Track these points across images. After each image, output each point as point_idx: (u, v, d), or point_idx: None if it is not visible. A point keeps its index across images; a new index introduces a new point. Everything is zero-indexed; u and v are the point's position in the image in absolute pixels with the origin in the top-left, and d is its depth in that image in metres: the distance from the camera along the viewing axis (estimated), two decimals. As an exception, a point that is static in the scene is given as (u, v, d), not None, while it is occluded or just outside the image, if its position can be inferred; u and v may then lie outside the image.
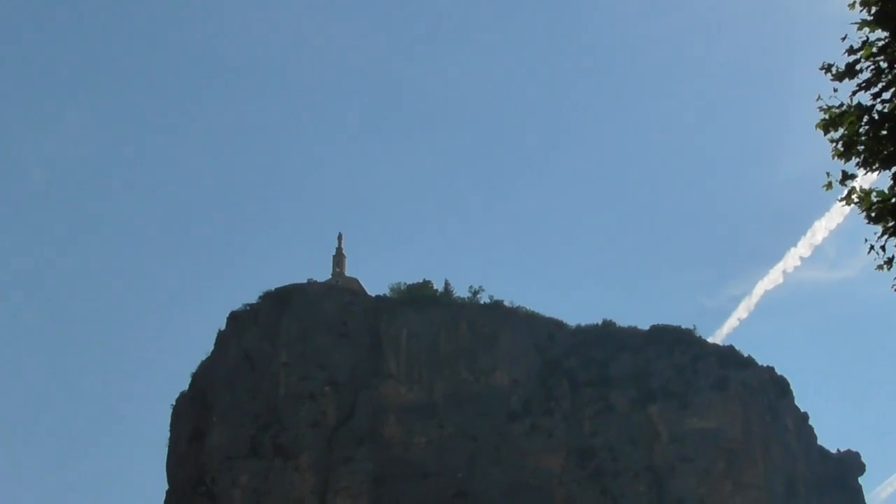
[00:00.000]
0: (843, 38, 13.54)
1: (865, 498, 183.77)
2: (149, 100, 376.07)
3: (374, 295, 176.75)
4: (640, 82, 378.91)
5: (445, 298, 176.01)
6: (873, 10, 13.26)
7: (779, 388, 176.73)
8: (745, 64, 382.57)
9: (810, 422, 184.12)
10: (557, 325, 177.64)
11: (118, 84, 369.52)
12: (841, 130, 13.70)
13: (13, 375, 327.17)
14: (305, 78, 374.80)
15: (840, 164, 13.83)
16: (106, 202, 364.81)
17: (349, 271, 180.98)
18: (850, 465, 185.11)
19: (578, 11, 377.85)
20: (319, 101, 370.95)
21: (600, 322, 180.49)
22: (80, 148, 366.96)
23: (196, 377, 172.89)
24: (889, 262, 13.64)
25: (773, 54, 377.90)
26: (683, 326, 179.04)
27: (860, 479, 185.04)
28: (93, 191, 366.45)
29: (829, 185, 13.83)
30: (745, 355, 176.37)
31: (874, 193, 13.65)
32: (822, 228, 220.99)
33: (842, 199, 13.80)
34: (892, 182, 13.59)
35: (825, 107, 13.70)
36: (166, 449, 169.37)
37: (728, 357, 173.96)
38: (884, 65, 13.40)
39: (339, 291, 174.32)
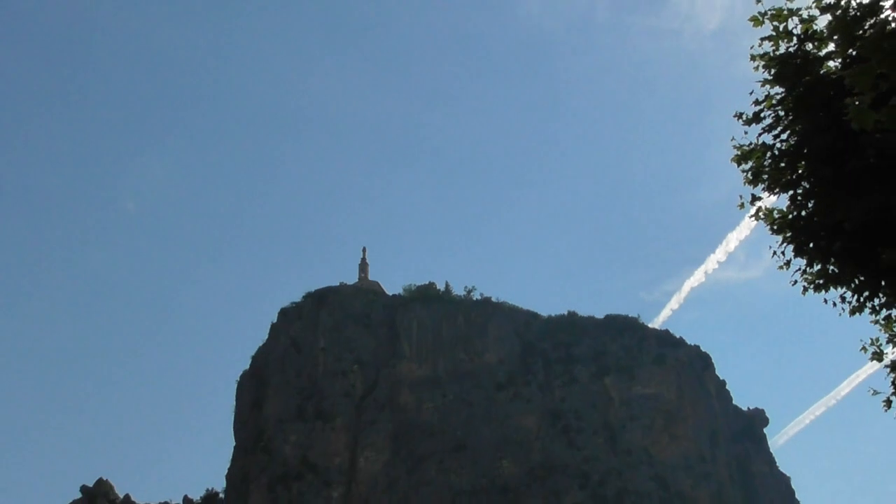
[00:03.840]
0: (751, 93, 13.68)
1: (769, 444, 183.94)
2: (215, 142, 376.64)
3: (391, 294, 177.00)
4: (594, 129, 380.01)
5: (446, 296, 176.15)
6: (773, 71, 13.40)
7: (703, 362, 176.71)
8: (675, 114, 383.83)
9: (727, 387, 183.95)
10: (533, 316, 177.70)
11: (191, 129, 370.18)
12: (750, 163, 13.82)
13: (118, 358, 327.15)
14: (340, 129, 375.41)
15: (749, 189, 13.94)
16: (186, 226, 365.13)
17: (371, 276, 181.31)
18: (757, 419, 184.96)
19: (550, 79, 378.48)
20: (349, 147, 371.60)
21: (566, 313, 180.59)
22: (163, 183, 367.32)
23: (255, 359, 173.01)
24: (787, 263, 13.71)
25: (698, 106, 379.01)
26: (630, 315, 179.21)
27: (765, 430, 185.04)
28: (175, 217, 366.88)
29: (742, 205, 13.92)
30: (678, 337, 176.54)
31: (776, 212, 13.73)
32: (734, 239, 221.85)
33: (751, 216, 13.87)
34: (789, 202, 13.68)
35: (738, 145, 13.81)
36: (233, 415, 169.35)
37: (665, 339, 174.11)
38: (782, 113, 13.52)
39: (364, 292, 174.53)
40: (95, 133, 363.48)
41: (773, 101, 13.46)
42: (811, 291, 13.77)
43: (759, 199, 13.80)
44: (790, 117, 13.36)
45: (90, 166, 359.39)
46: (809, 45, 13.26)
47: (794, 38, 13.31)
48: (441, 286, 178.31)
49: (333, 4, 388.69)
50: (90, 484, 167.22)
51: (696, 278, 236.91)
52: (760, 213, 13.83)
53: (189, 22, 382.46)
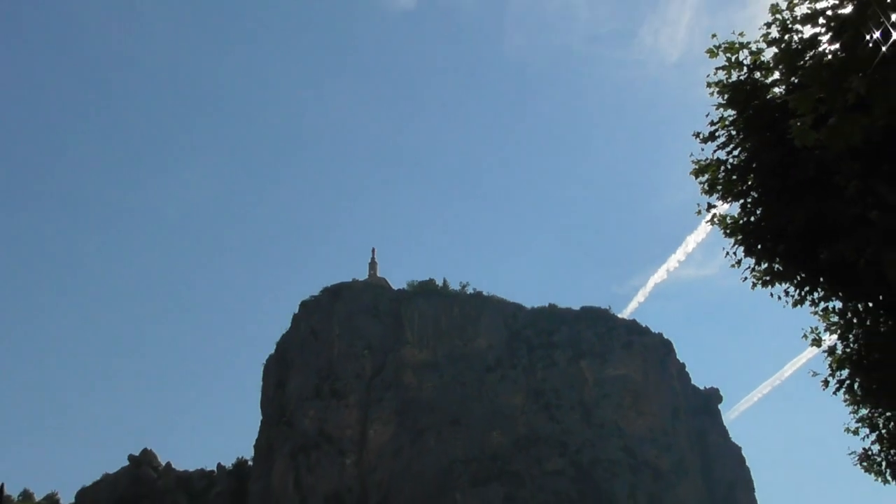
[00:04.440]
0: (707, 115, 13.67)
1: (722, 418, 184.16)
2: (246, 159, 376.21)
3: (396, 289, 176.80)
4: (571, 146, 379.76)
5: (444, 290, 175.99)
6: (726, 96, 13.40)
7: (666, 347, 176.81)
8: (641, 133, 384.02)
9: (686, 369, 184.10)
10: (518, 307, 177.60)
11: (224, 149, 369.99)
12: (706, 176, 13.80)
13: (161, 343, 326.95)
14: (352, 149, 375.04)
15: (706, 198, 13.92)
16: (220, 231, 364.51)
17: (379, 273, 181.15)
18: (712, 397, 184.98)
19: (534, 103, 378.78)
20: (361, 164, 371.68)
21: (547, 305, 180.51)
22: (201, 191, 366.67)
23: (279, 345, 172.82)
24: (738, 262, 13.70)
25: (661, 126, 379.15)
26: (602, 307, 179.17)
27: (719, 406, 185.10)
28: (211, 223, 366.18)
29: (699, 212, 13.91)
30: (644, 326, 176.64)
31: (728, 217, 13.72)
32: (692, 241, 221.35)
33: (707, 221, 13.87)
34: (740, 210, 13.67)
35: (696, 160, 13.78)
36: (260, 394, 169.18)
37: (632, 327, 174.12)
38: (734, 132, 13.52)
39: (373, 287, 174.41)
40: (146, 152, 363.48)
41: (727, 123, 13.44)
42: (759, 286, 13.77)
43: (714, 206, 13.78)
44: (741, 136, 13.35)
45: (141, 180, 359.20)
46: (758, 74, 13.26)
47: (745, 68, 13.31)
48: (440, 282, 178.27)
49: (347, 44, 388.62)
50: (136, 453, 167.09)
51: (660, 275, 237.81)
52: (715, 219, 13.82)
53: (222, 61, 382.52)
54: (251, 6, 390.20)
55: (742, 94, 13.23)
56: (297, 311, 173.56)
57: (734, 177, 13.49)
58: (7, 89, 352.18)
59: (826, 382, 14.56)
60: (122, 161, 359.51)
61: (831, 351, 14.55)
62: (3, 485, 65.37)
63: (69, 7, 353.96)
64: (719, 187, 13.60)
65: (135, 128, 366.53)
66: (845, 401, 14.85)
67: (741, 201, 13.62)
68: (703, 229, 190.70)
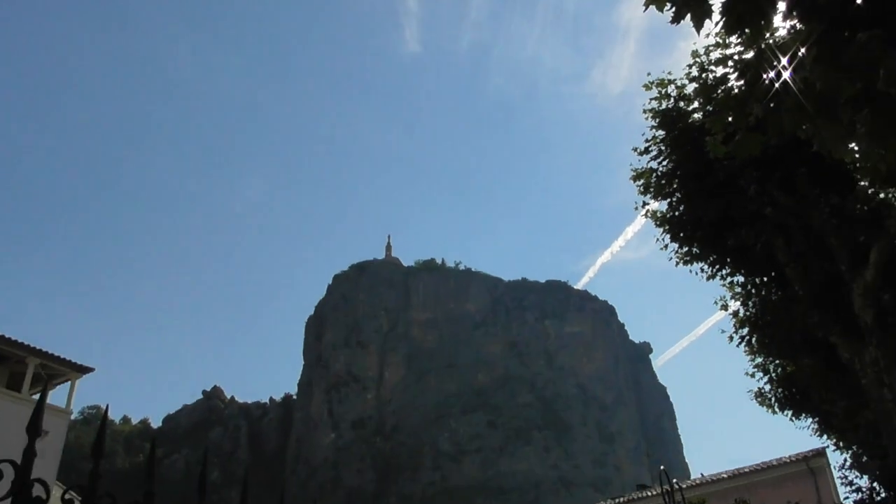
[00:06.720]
0: (643, 134, 13.67)
1: (653, 365, 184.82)
2: (296, 166, 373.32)
3: (406, 265, 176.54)
4: (540, 158, 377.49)
5: (442, 267, 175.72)
6: (657, 120, 13.40)
7: (609, 311, 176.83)
8: (593, 148, 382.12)
9: (626, 328, 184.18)
10: (498, 280, 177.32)
11: (279, 158, 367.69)
12: (642, 180, 13.80)
13: (229, 309, 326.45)
14: (372, 160, 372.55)
15: (642, 197, 13.92)
16: (276, 222, 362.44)
17: (394, 254, 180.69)
18: (645, 349, 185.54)
19: (512, 126, 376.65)
20: (381, 170, 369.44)
21: (520, 278, 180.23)
22: (261, 193, 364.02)
23: (317, 307, 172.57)
24: (666, 246, 13.74)
25: (608, 143, 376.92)
26: (562, 280, 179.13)
27: (650, 356, 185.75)
28: (268, 217, 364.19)
29: (636, 208, 13.93)
30: (593, 295, 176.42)
31: (658, 212, 13.75)
32: (630, 231, 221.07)
33: (642, 215, 13.89)
34: (667, 206, 13.69)
35: (634, 168, 13.78)
36: (302, 344, 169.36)
37: (585, 296, 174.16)
38: (663, 147, 13.52)
39: (389, 264, 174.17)
40: (216, 159, 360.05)
41: (658, 140, 13.45)
42: (681, 265, 13.82)
43: (648, 204, 13.80)
44: (668, 150, 13.36)
45: (212, 181, 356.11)
46: (682, 104, 13.26)
47: (672, 99, 13.30)
48: (439, 260, 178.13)
49: (368, 79, 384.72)
50: (208, 388, 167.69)
51: (605, 256, 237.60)
52: (648, 213, 13.85)
53: (275, 90, 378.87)
54: (299, 48, 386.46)
55: (669, 119, 13.25)
56: (331, 282, 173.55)
57: (663, 181, 13.52)
58: (99, 105, 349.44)
59: (731, 338, 14.65)
60: (201, 165, 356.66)
61: (735, 314, 14.64)
62: (108, 405, 65.72)
63: (146, 32, 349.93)
64: (652, 189, 13.63)
65: (213, 140, 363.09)
66: (745, 352, 14.96)
67: (668, 200, 13.65)
68: (639, 221, 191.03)
